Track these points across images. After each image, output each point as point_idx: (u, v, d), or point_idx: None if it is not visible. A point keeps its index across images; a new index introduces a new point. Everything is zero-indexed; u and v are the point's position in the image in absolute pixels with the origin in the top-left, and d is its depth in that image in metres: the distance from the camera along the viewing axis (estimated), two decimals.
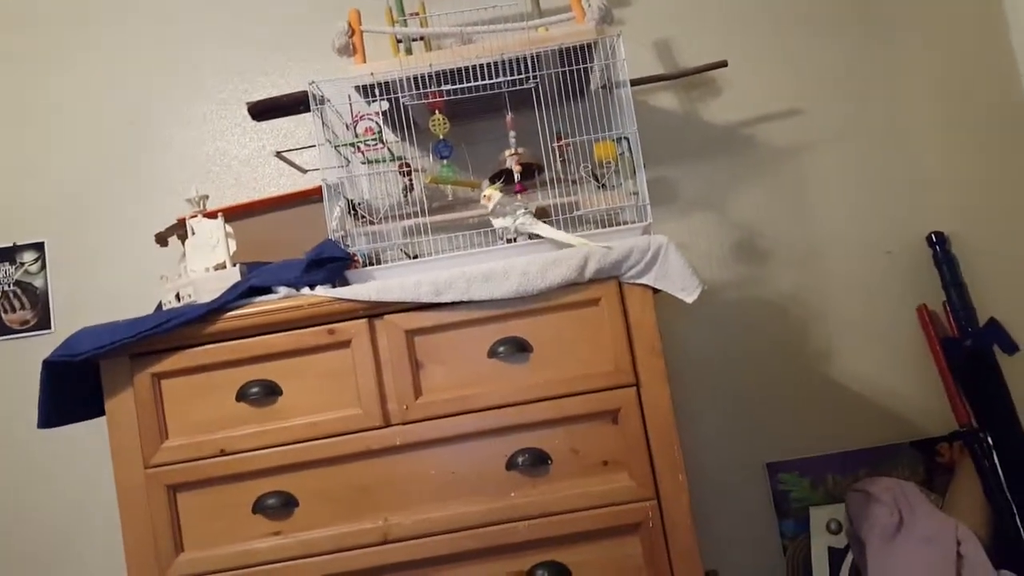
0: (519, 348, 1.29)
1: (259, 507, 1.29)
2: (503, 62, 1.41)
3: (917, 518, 1.58)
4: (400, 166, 1.51)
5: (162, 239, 1.80)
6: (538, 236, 1.32)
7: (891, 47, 1.84)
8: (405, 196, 1.51)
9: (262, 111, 1.56)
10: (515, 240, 1.37)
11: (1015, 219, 1.80)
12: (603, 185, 1.44)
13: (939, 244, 1.76)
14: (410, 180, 1.52)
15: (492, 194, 1.37)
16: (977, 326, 1.73)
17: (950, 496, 1.67)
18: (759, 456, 1.78)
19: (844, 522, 1.69)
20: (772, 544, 1.74)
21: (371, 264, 1.40)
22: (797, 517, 1.72)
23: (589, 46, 1.45)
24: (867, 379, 1.79)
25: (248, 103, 1.58)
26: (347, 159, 1.51)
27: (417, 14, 1.65)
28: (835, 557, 1.69)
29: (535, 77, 1.41)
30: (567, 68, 1.44)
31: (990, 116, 1.82)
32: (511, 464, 1.28)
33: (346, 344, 1.29)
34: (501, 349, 1.29)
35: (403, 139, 1.52)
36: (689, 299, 1.26)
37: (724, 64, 1.75)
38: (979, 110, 1.82)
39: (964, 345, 1.72)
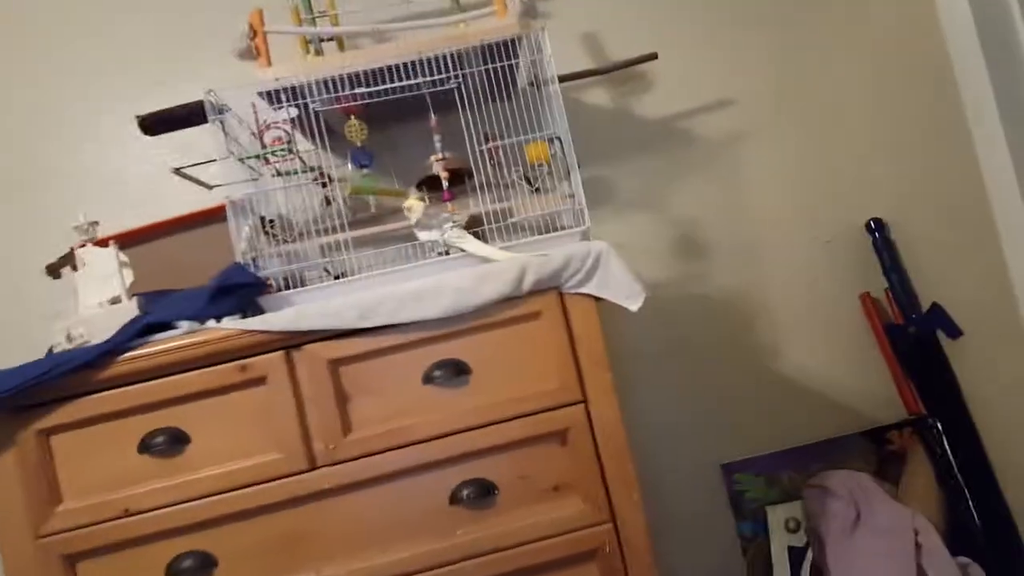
0: (457, 371, 1.18)
1: (173, 571, 1.14)
2: (422, 61, 1.29)
3: (874, 510, 1.55)
4: (316, 177, 1.38)
5: (54, 271, 1.63)
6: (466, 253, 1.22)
7: (824, 34, 1.80)
8: (324, 209, 1.38)
9: (154, 124, 1.40)
10: (447, 252, 1.26)
11: (952, 204, 1.79)
12: (537, 188, 1.35)
13: (878, 231, 1.73)
14: (329, 192, 1.40)
15: (414, 205, 1.26)
16: (920, 312, 1.72)
17: (904, 484, 1.64)
18: (713, 457, 1.72)
19: (802, 520, 1.65)
20: (731, 547, 1.69)
21: (288, 288, 1.27)
22: (755, 517, 1.67)
23: (513, 42, 1.35)
24: (815, 371, 1.75)
25: (138, 116, 1.41)
26: (258, 172, 1.37)
27: (326, 12, 1.52)
28: (795, 556, 1.64)
29: (458, 76, 1.30)
30: (491, 66, 1.34)
31: (925, 102, 1.80)
32: (455, 498, 1.17)
33: (261, 381, 1.16)
34: (437, 373, 1.18)
35: (318, 148, 1.40)
36: (633, 307, 1.18)
37: (654, 56, 1.68)
38: (914, 96, 1.80)
39: (908, 331, 1.70)
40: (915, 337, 1.70)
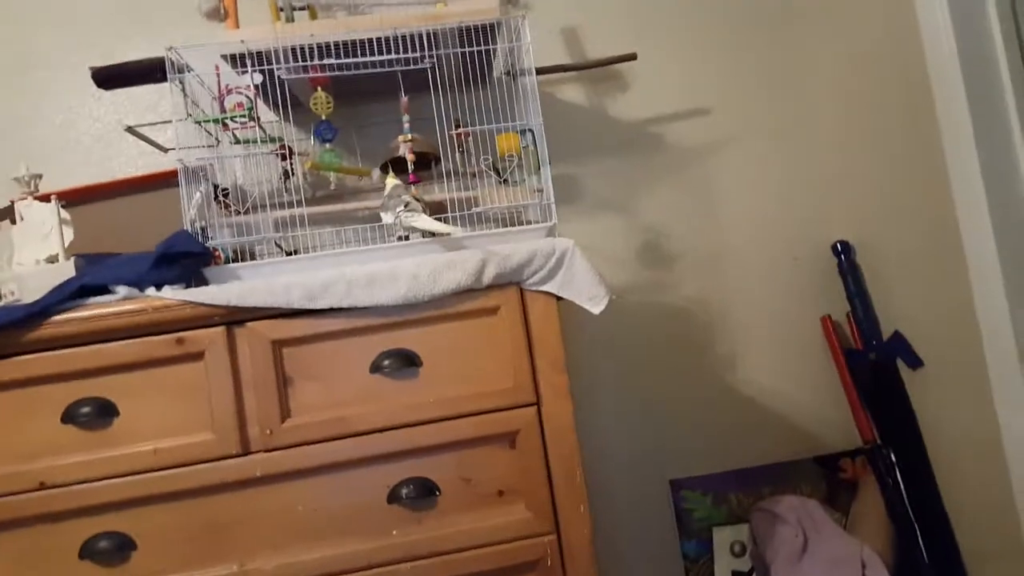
0: (407, 362, 1.13)
1: (88, 551, 1.07)
2: (396, 38, 1.24)
3: (823, 539, 1.53)
4: (277, 149, 1.32)
5: None
6: (417, 230, 1.17)
7: (804, 50, 1.79)
8: (282, 183, 1.32)
9: (109, 78, 1.33)
10: (408, 237, 1.21)
11: (922, 231, 1.78)
12: (505, 180, 1.30)
13: (844, 253, 1.72)
14: (289, 165, 1.33)
15: (388, 184, 1.21)
16: (881, 339, 1.71)
17: (853, 514, 1.63)
18: (661, 472, 1.69)
19: (748, 544, 1.62)
20: (674, 566, 1.66)
21: (237, 261, 1.21)
22: (700, 537, 1.64)
23: (492, 27, 1.31)
24: (771, 391, 1.73)
25: (92, 68, 1.34)
26: (215, 138, 1.31)
27: None
28: None
29: (432, 57, 1.25)
30: (468, 49, 1.29)
31: (899, 125, 1.79)
32: (393, 497, 1.12)
33: (198, 356, 1.10)
34: (386, 363, 1.13)
35: (281, 118, 1.34)
36: (596, 310, 1.14)
37: (633, 57, 1.64)
38: (888, 119, 1.79)
39: (868, 358, 1.69)
40: (874, 364, 1.69)
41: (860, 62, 1.80)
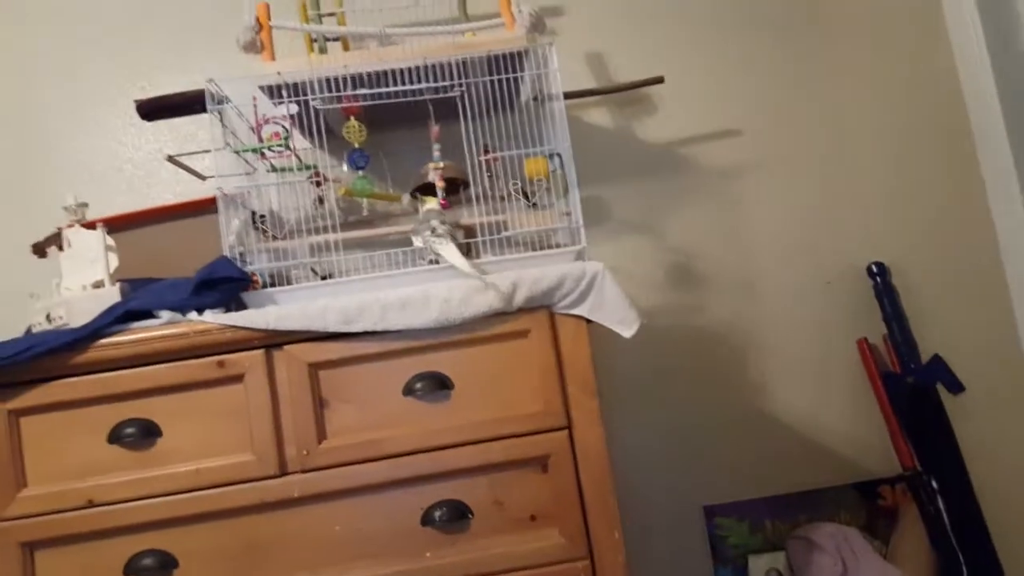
0: (439, 385, 1.15)
1: (132, 568, 1.10)
2: (427, 67, 1.27)
3: (863, 569, 1.50)
4: (312, 176, 1.35)
5: (40, 250, 1.60)
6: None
7: (833, 70, 1.79)
8: (316, 209, 1.36)
9: (153, 110, 1.38)
10: (438, 260, 1.23)
11: (961, 253, 1.75)
12: (533, 204, 1.32)
13: (880, 275, 1.70)
14: (323, 192, 1.37)
15: (423, 208, 1.23)
16: (919, 362, 1.67)
17: (894, 543, 1.59)
18: (695, 498, 1.67)
19: (784, 572, 1.59)
20: None
21: (274, 285, 1.24)
22: (735, 564, 1.62)
23: (519, 55, 1.33)
24: (806, 416, 1.71)
25: (137, 101, 1.39)
26: (252, 167, 1.35)
27: (333, 13, 1.50)
28: None
29: (461, 85, 1.28)
30: (496, 77, 1.32)
31: (934, 144, 1.78)
32: (427, 519, 1.13)
33: (238, 379, 1.13)
34: (418, 386, 1.14)
35: (315, 146, 1.37)
36: (627, 333, 1.15)
37: (661, 80, 1.66)
38: (923, 138, 1.78)
39: (906, 382, 1.66)
40: (913, 388, 1.66)
41: (894, 81, 1.79)
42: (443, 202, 1.29)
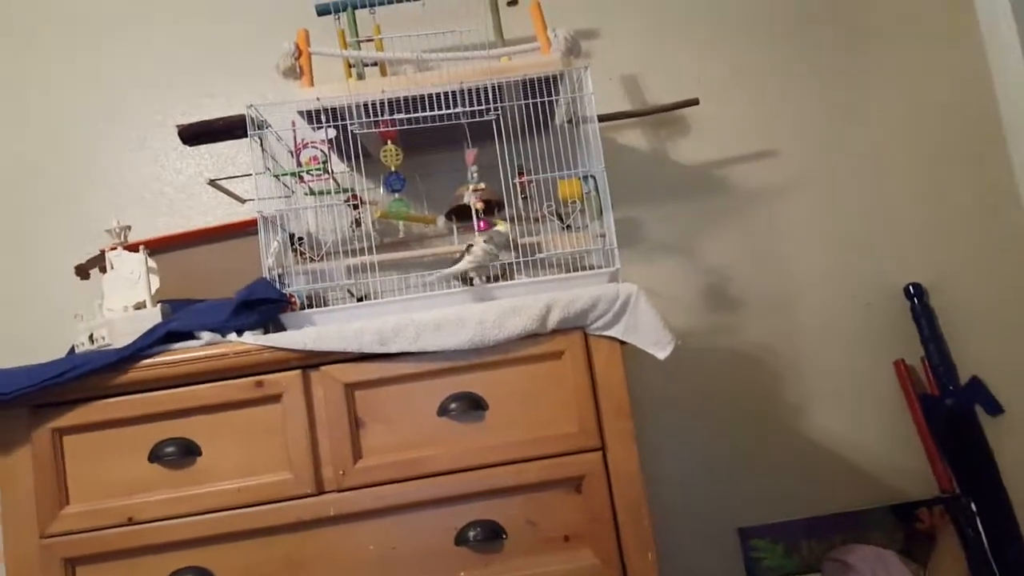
0: (473, 405, 1.15)
1: None
2: (463, 91, 1.29)
3: None
4: (348, 198, 1.38)
5: (83, 271, 1.65)
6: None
7: (869, 92, 1.78)
8: (353, 231, 1.38)
9: (194, 135, 1.42)
10: (471, 282, 1.25)
11: (999, 274, 1.73)
12: (568, 226, 1.33)
13: (917, 296, 1.68)
14: (359, 214, 1.39)
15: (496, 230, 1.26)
16: (958, 383, 1.65)
17: (932, 567, 1.56)
18: (730, 520, 1.65)
19: None
20: None
21: (311, 306, 1.26)
22: None
23: (554, 78, 1.35)
24: (842, 437, 1.69)
25: (179, 126, 1.43)
26: (291, 190, 1.38)
27: (371, 39, 1.53)
28: None
29: (497, 109, 1.30)
30: (531, 100, 1.33)
31: (971, 165, 1.76)
32: (461, 539, 1.13)
33: (276, 399, 1.14)
34: (453, 406, 1.15)
35: (352, 170, 1.40)
36: (661, 355, 1.15)
37: (696, 102, 1.66)
38: (961, 159, 1.76)
39: (944, 404, 1.63)
40: (951, 411, 1.63)
41: (931, 103, 1.78)
42: (483, 223, 1.30)
